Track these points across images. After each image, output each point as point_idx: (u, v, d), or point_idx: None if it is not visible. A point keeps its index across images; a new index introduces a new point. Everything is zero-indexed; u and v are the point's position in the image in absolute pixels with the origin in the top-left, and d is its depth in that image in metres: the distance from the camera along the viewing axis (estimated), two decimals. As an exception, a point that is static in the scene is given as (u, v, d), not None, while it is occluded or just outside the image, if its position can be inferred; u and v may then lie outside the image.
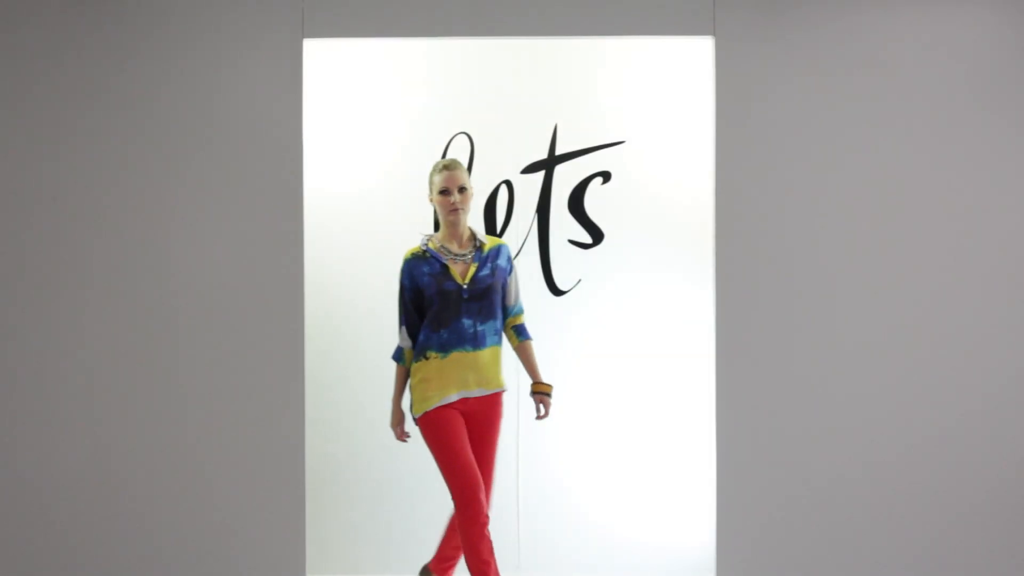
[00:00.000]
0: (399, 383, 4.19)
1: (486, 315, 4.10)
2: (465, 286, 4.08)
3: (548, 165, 4.72)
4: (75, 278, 4.45)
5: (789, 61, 4.43)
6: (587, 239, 4.70)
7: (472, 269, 4.11)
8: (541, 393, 4.21)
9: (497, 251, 4.17)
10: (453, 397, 4.06)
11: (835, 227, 4.44)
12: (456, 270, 4.10)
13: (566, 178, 4.69)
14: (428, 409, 4.04)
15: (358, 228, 4.68)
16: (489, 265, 4.13)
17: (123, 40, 4.45)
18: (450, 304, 4.07)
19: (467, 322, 4.08)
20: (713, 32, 4.45)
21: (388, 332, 4.47)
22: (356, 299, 4.68)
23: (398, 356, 4.18)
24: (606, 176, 4.67)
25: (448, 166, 4.12)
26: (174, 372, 4.45)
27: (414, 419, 4.08)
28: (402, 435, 4.20)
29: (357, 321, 4.68)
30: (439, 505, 4.41)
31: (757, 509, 4.43)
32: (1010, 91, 4.43)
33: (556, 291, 4.74)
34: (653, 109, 4.65)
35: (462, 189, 4.09)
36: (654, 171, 4.67)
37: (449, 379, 4.07)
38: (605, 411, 4.78)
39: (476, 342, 4.08)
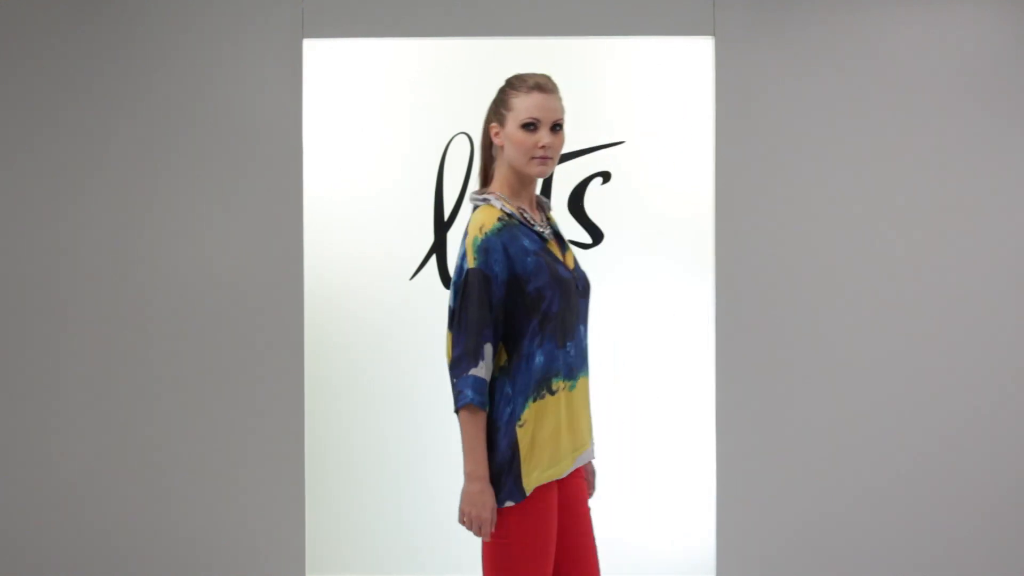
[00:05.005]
0: (481, 441, 2.46)
1: (585, 326, 2.70)
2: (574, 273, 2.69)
3: (548, 165, 4.71)
4: (73, 279, 4.45)
5: (789, 61, 4.43)
6: (587, 239, 4.70)
7: (569, 253, 2.73)
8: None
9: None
10: (569, 467, 2.58)
11: (835, 226, 4.44)
12: (556, 249, 2.68)
13: (566, 178, 4.68)
14: (539, 484, 2.50)
15: (358, 228, 4.67)
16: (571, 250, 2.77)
17: (122, 40, 4.45)
18: (570, 302, 2.58)
19: (583, 330, 2.66)
20: (713, 32, 4.45)
21: (388, 332, 4.47)
22: (356, 298, 4.68)
23: (479, 396, 2.45)
24: (606, 176, 4.67)
25: (541, 84, 2.60)
26: (174, 372, 4.45)
27: (507, 502, 2.48)
28: (492, 532, 2.49)
29: (358, 321, 4.67)
30: (439, 505, 4.41)
31: (757, 509, 4.43)
32: (1010, 91, 4.43)
33: (556, 291, 4.73)
34: (653, 109, 4.64)
35: (557, 127, 2.63)
36: (654, 171, 4.66)
37: (564, 432, 2.58)
38: (604, 410, 4.78)
39: (574, 370, 2.60)
